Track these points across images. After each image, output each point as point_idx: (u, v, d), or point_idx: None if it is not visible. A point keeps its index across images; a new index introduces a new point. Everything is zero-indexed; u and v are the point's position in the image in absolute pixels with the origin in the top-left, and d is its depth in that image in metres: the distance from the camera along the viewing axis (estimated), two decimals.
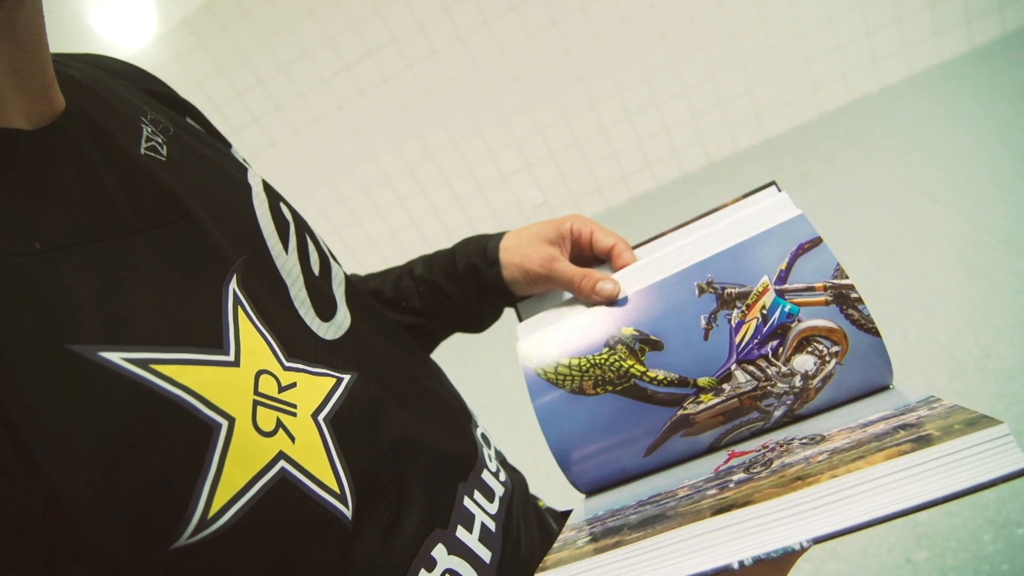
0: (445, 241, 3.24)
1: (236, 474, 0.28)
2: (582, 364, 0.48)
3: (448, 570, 0.38)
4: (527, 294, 0.58)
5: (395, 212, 3.20)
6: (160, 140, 0.37)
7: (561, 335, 0.50)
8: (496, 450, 0.56)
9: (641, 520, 0.38)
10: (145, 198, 0.33)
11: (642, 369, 0.46)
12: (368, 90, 2.85)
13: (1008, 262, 1.63)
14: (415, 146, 3.02)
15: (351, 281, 0.49)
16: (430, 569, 0.37)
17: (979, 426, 0.32)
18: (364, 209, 3.19)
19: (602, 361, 0.47)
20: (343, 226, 3.23)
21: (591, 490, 0.50)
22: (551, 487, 1.73)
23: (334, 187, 3.13)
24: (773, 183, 0.57)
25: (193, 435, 0.27)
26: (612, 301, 0.50)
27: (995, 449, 0.31)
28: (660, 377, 0.45)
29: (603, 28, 2.71)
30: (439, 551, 0.38)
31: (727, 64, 2.77)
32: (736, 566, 0.32)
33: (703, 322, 0.45)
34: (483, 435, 0.54)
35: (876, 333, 0.41)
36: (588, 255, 0.56)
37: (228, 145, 0.48)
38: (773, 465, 0.38)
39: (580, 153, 3.04)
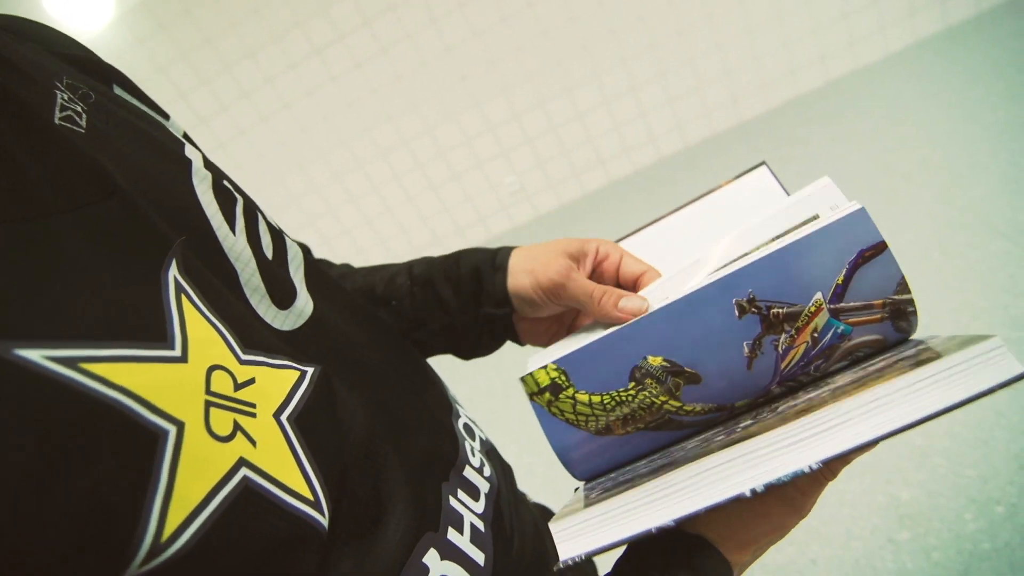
0: (420, 228, 3.20)
1: (191, 487, 0.24)
2: (605, 403, 0.42)
3: None
4: (533, 315, 0.51)
5: (369, 199, 3.14)
6: (79, 108, 0.32)
7: (578, 366, 0.43)
8: (483, 439, 0.52)
9: (651, 470, 0.37)
10: (66, 174, 0.28)
11: (677, 404, 0.41)
12: (339, 75, 2.78)
13: (984, 242, 1.63)
14: (388, 132, 2.96)
15: (312, 262, 0.44)
16: None
17: (974, 341, 0.32)
18: (337, 197, 3.12)
19: (629, 399, 0.41)
20: (316, 215, 3.17)
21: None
22: (534, 478, 1.71)
23: (305, 175, 3.05)
24: (763, 163, 0.54)
25: (136, 444, 0.23)
26: (636, 318, 0.42)
27: (991, 360, 0.32)
28: (697, 409, 0.41)
29: (580, 11, 2.66)
30: (431, 557, 0.35)
31: (705, 47, 2.75)
32: (748, 494, 0.31)
33: (746, 349, 0.39)
34: (466, 426, 0.50)
35: (911, 333, 0.39)
36: (609, 283, 0.49)
37: (166, 116, 0.43)
38: (778, 408, 0.38)
39: (556, 138, 3.00)
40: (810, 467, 0.31)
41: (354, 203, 3.14)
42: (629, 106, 2.89)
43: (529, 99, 2.89)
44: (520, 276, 0.49)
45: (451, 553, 0.36)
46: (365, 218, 3.19)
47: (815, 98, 2.79)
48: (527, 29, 2.70)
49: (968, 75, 2.33)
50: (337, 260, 0.64)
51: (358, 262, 0.72)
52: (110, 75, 0.40)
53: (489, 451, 0.52)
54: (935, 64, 2.52)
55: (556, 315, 0.53)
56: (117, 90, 0.40)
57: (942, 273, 1.63)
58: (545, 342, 0.54)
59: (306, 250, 0.63)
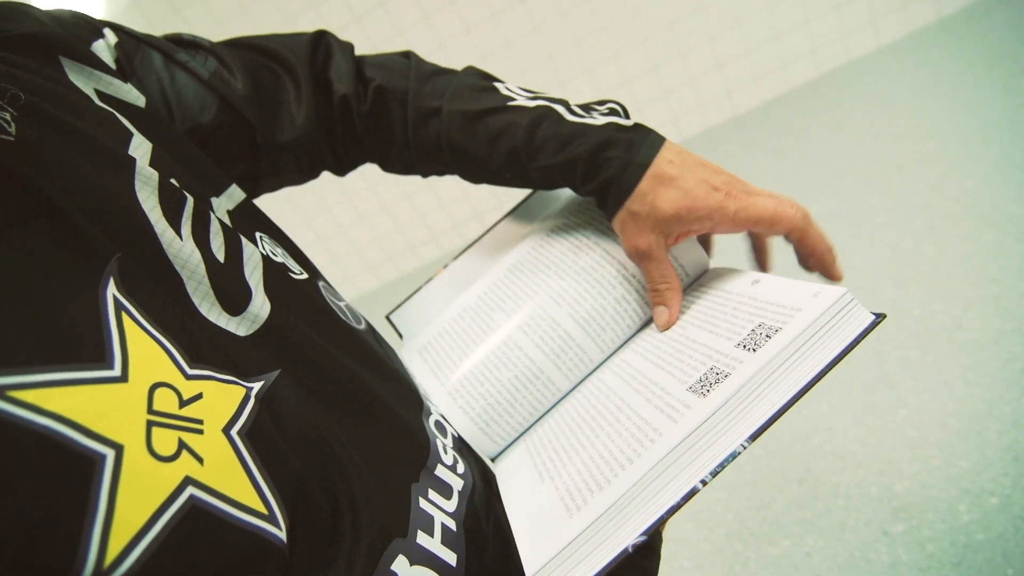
0: (418, 225, 3.19)
1: (133, 511, 0.24)
2: None
3: None
4: None
5: (364, 197, 3.13)
6: (7, 116, 0.31)
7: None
8: (455, 436, 0.52)
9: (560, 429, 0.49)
10: None
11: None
12: None
13: (977, 232, 1.63)
14: None
15: (273, 266, 0.42)
16: None
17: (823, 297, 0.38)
18: (333, 196, 3.11)
19: None
20: (311, 215, 3.16)
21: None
22: None
23: None
24: (533, 195, 0.63)
25: (70, 472, 0.23)
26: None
27: (848, 313, 0.38)
28: None
29: (570, 5, 2.65)
30: (400, 564, 0.35)
31: (696, 40, 2.74)
32: (701, 486, 0.35)
33: None
34: (437, 423, 0.50)
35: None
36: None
37: (125, 78, 0.41)
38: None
39: None
40: (743, 446, 0.35)
41: (349, 200, 3.13)
42: (623, 99, 2.88)
43: None
44: (617, 230, 0.49)
45: (421, 557, 0.36)
46: (359, 215, 3.18)
47: (808, 90, 2.79)
48: (519, 24, 2.69)
49: (960, 66, 2.33)
50: (330, 259, 0.63)
51: (351, 261, 0.72)
52: (55, 46, 0.38)
53: (461, 448, 0.52)
54: (928, 55, 2.51)
55: None
56: (65, 63, 0.38)
57: (934, 264, 1.63)
58: None
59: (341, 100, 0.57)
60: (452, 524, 0.40)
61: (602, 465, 0.40)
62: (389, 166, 0.61)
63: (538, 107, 0.51)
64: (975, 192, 1.75)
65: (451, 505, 0.42)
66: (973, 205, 1.72)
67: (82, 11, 0.46)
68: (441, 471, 0.44)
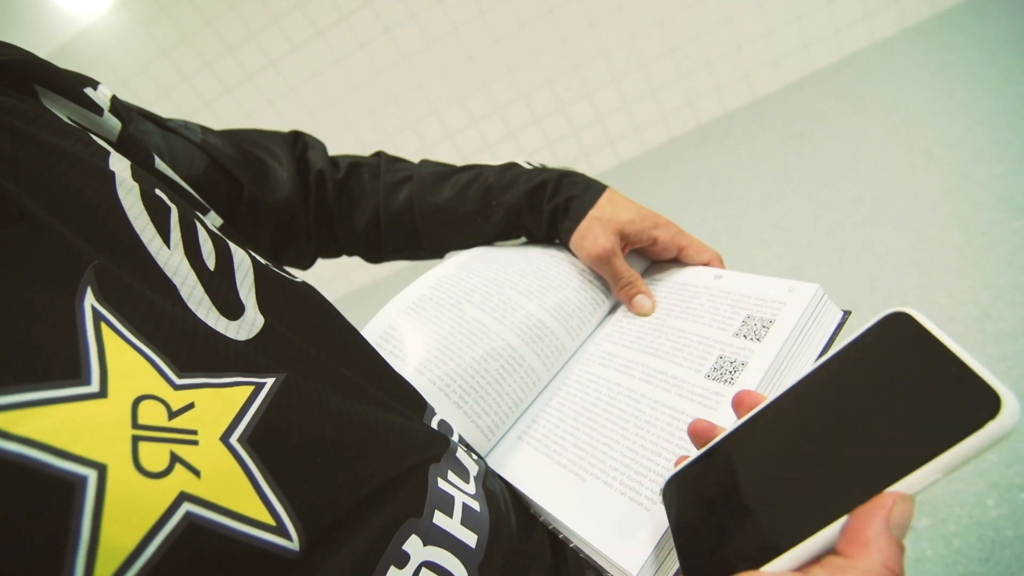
0: None
1: (120, 535, 0.22)
2: None
3: (425, 563, 0.33)
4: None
5: None
6: None
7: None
8: (460, 435, 0.52)
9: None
10: None
11: None
12: (344, 57, 2.74)
13: (1006, 219, 1.58)
14: (394, 113, 2.92)
15: (264, 272, 0.40)
16: (401, 565, 0.32)
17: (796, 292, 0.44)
18: None
19: None
20: None
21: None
22: None
23: None
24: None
25: (47, 498, 0.21)
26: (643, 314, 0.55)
27: (823, 310, 0.42)
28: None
29: None
30: (412, 543, 0.33)
31: (714, 21, 2.68)
32: None
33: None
34: (442, 423, 0.49)
35: None
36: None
37: (99, 111, 0.40)
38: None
39: (565, 118, 2.95)
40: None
41: None
42: (639, 82, 2.84)
43: (536, 78, 2.84)
44: (576, 239, 0.59)
45: (436, 538, 0.35)
46: None
47: (831, 73, 2.73)
48: (532, 7, 2.65)
49: (988, 47, 2.26)
50: (337, 261, 0.63)
51: (344, 258, 0.74)
52: (31, 73, 0.37)
53: (468, 447, 0.51)
54: (954, 36, 2.44)
55: None
56: (41, 91, 0.37)
57: (961, 251, 1.59)
58: None
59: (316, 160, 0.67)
60: (475, 505, 0.39)
61: (654, 457, 0.41)
62: (353, 244, 0.69)
63: (502, 163, 0.64)
64: (1004, 178, 1.70)
65: (470, 488, 0.41)
66: (1002, 191, 1.67)
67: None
68: (461, 454, 0.44)
